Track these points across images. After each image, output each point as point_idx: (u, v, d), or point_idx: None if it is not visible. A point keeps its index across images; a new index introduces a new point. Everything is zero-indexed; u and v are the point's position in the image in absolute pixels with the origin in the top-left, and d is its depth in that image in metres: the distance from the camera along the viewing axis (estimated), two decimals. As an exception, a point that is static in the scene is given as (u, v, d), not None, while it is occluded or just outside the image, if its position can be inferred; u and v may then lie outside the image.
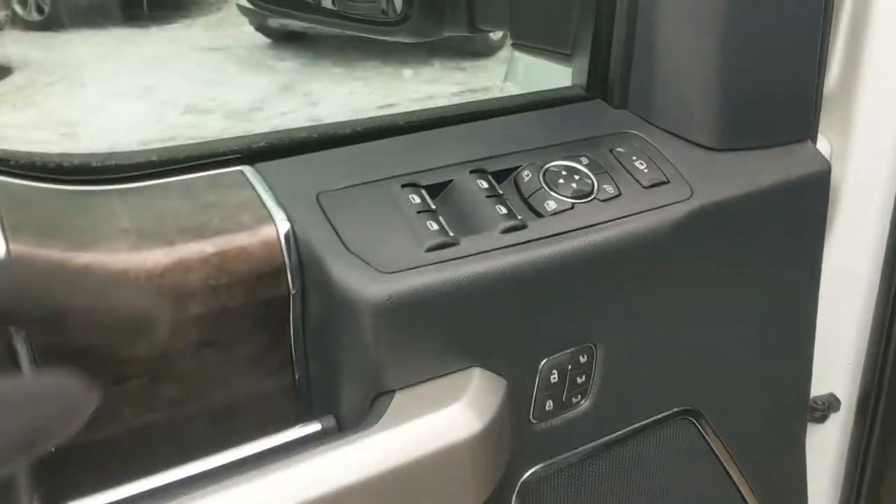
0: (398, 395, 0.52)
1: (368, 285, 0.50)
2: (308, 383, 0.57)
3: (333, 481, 0.47)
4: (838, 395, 0.97)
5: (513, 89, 2.11)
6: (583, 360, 0.60)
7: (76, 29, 6.25)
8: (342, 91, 5.18)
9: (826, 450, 0.99)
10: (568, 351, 0.59)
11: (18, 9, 6.18)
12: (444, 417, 0.52)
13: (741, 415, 0.75)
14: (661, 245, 0.60)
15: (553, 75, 0.80)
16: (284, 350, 0.56)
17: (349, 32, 0.94)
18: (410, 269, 0.51)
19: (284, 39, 5.96)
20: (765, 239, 0.68)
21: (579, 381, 0.60)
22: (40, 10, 6.12)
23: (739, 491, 0.76)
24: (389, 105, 4.90)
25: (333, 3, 0.99)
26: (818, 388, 0.91)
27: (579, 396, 0.61)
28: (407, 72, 5.46)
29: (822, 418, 0.97)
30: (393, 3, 0.91)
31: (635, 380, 0.64)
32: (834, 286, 0.81)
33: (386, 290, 0.50)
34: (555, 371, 0.58)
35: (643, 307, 0.62)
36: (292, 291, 0.53)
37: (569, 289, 0.57)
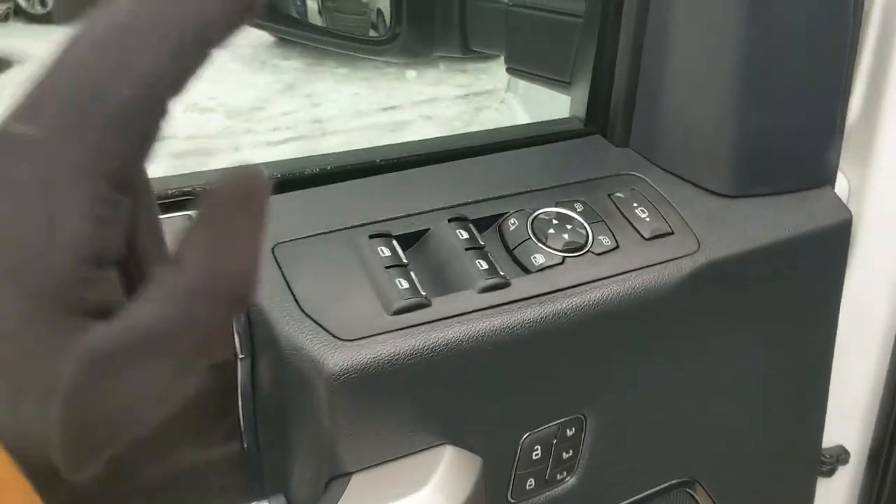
0: (356, 479, 0.46)
1: (323, 355, 0.44)
2: (258, 454, 0.51)
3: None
4: (847, 447, 0.91)
5: (513, 100, 2.05)
6: (570, 433, 0.53)
7: (80, 22, 6.18)
8: (346, 92, 5.11)
9: (834, 505, 0.93)
10: (554, 424, 0.52)
11: (22, 1, 6.12)
12: (409, 505, 0.45)
13: (744, 481, 0.69)
14: (663, 305, 0.54)
15: (555, 92, 0.74)
16: (232, 418, 0.49)
17: (336, 50, 0.88)
18: (373, 335, 0.45)
19: (289, 38, 5.91)
20: (778, 296, 0.61)
21: (565, 455, 0.54)
22: (43, 2, 6.05)
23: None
24: (392, 107, 4.83)
25: (321, 16, 0.93)
26: (826, 440, 0.86)
27: (565, 473, 0.54)
28: (410, 73, 5.39)
29: (830, 472, 0.92)
30: (383, 20, 0.85)
31: (629, 452, 0.58)
32: (845, 333, 0.74)
33: (343, 360, 0.44)
34: (538, 446, 0.52)
35: (640, 373, 0.56)
36: (240, 356, 0.47)
37: (556, 355, 0.51)
